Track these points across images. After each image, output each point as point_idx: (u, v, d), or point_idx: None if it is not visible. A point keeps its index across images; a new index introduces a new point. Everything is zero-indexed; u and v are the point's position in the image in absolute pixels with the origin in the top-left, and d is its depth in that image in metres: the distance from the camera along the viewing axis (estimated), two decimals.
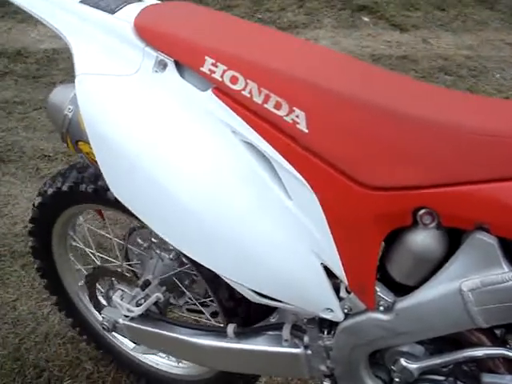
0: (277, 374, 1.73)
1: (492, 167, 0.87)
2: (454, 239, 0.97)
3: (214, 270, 1.12)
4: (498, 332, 1.04)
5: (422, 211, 0.93)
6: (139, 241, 1.53)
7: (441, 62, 4.08)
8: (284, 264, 1.06)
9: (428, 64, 4.04)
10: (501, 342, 1.03)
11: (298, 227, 1.03)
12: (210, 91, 1.04)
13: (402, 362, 1.07)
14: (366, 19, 4.71)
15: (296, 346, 1.23)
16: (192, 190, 1.05)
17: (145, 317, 1.43)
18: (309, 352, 1.20)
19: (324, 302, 1.08)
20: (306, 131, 0.96)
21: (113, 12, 1.14)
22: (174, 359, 1.74)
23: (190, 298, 1.56)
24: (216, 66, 1.02)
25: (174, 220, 1.10)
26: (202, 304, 1.56)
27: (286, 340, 1.23)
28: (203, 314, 1.58)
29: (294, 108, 0.97)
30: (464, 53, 4.27)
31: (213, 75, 1.02)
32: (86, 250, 1.74)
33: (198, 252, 1.12)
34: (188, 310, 1.62)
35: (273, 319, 1.32)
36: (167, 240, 1.15)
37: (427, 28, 4.67)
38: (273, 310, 1.33)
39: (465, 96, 1.05)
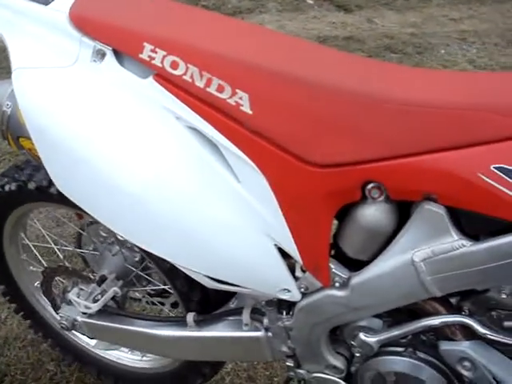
0: (240, 359, 1.73)
1: (434, 138, 0.88)
2: (403, 211, 0.98)
3: (165, 258, 1.11)
4: (452, 300, 1.06)
5: (370, 185, 0.93)
6: (91, 239, 1.50)
7: (386, 41, 4.12)
8: (237, 248, 1.05)
9: (374, 43, 4.08)
10: (456, 310, 1.04)
11: (249, 210, 1.02)
12: (150, 78, 1.02)
13: (361, 336, 1.08)
14: (310, 1, 4.72)
15: (257, 330, 1.22)
16: (137, 179, 1.03)
17: (103, 312, 1.41)
18: (269, 334, 1.21)
19: (280, 282, 1.08)
20: (251, 113, 0.96)
21: (47, 3, 1.11)
22: (137, 353, 1.72)
23: (149, 290, 1.55)
24: (155, 52, 1.00)
25: (120, 211, 1.09)
26: (162, 295, 1.54)
27: (247, 324, 1.23)
28: (164, 305, 1.56)
29: (237, 90, 0.96)
30: (408, 30, 4.32)
31: (152, 61, 1.01)
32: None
33: (148, 241, 1.11)
34: (148, 302, 1.60)
35: (232, 304, 1.32)
36: (116, 231, 1.14)
37: (371, 8, 4.71)
38: (231, 295, 1.33)
39: (406, 69, 1.05)
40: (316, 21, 4.44)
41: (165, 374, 1.63)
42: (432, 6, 4.83)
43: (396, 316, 1.08)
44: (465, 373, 1.02)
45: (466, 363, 1.02)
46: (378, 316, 1.09)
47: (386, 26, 4.39)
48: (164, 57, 1.00)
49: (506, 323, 1.00)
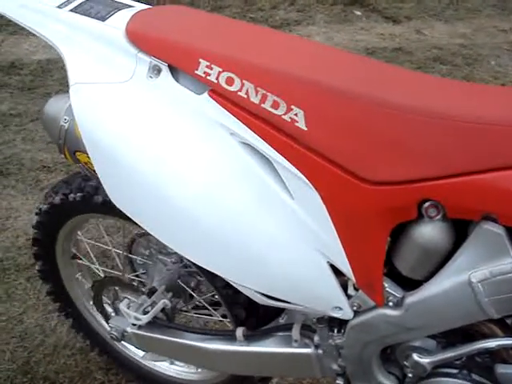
0: (288, 375, 1.72)
1: (494, 156, 0.86)
2: (461, 230, 0.96)
3: (218, 273, 1.11)
4: (510, 322, 1.03)
5: (427, 204, 0.92)
6: (141, 249, 1.52)
7: (435, 52, 4.07)
8: (289, 264, 1.05)
9: (423, 55, 4.03)
10: None
11: (302, 226, 1.02)
12: (206, 94, 1.03)
13: (415, 357, 1.06)
14: (358, 13, 4.70)
15: (306, 346, 1.21)
16: (192, 194, 1.04)
17: (152, 324, 1.41)
18: (320, 351, 1.19)
19: (332, 300, 1.07)
20: (306, 129, 0.95)
21: (103, 19, 1.13)
22: (191, 366, 1.72)
23: (198, 302, 1.55)
24: (211, 68, 1.01)
25: (175, 225, 1.09)
26: (211, 307, 1.54)
27: (296, 340, 1.22)
28: (212, 316, 1.57)
29: (292, 106, 0.96)
30: (458, 41, 4.26)
31: (208, 77, 1.01)
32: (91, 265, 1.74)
33: (201, 256, 1.11)
34: (197, 314, 1.60)
35: (282, 320, 1.31)
36: (171, 246, 1.15)
37: (420, 18, 4.66)
38: (281, 310, 1.32)
39: (461, 84, 1.04)
40: (364, 32, 4.42)
41: None
42: (482, 17, 4.76)
43: (450, 337, 1.06)
44: None
45: None
46: (431, 336, 1.07)
47: (435, 37, 4.33)
48: (219, 73, 1.00)
49: None
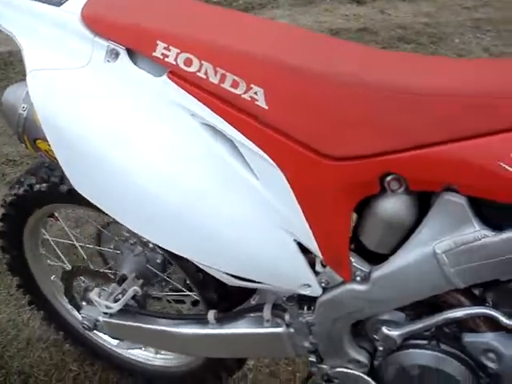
0: (262, 356, 1.72)
1: (453, 127, 0.87)
2: (424, 203, 0.96)
3: (185, 256, 1.11)
4: (476, 291, 1.05)
5: (389, 177, 0.92)
6: (109, 240, 1.51)
7: (400, 32, 4.08)
8: (256, 244, 1.05)
9: (387, 34, 4.04)
10: (480, 301, 1.03)
11: (268, 206, 1.02)
12: (165, 76, 1.02)
13: (384, 330, 1.07)
14: None
15: (278, 326, 1.22)
16: (154, 178, 1.03)
17: (124, 312, 1.41)
18: (291, 330, 1.20)
19: (300, 278, 1.07)
20: (266, 108, 0.95)
21: (59, 4, 1.11)
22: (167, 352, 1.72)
23: (170, 289, 1.55)
24: (169, 50, 1.00)
25: (139, 209, 1.08)
26: (183, 294, 1.54)
27: (268, 320, 1.22)
28: (184, 303, 1.56)
29: (252, 85, 0.95)
30: (422, 20, 4.28)
31: (166, 59, 1.00)
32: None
33: (167, 240, 1.11)
34: (169, 301, 1.60)
35: (253, 301, 1.31)
36: (136, 231, 1.14)
37: None
38: (252, 292, 1.33)
39: (422, 58, 1.04)
40: (328, 14, 4.41)
41: (188, 373, 1.63)
42: None
43: (419, 309, 1.07)
44: (489, 364, 1.01)
45: (491, 355, 1.00)
46: (400, 309, 1.08)
47: (400, 17, 4.34)
48: (178, 54, 0.99)
49: None
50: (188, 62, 0.99)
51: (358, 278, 1.04)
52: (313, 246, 1.03)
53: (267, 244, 1.05)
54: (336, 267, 1.05)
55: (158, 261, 1.48)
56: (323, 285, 1.08)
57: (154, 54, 1.01)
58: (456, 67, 0.97)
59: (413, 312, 1.08)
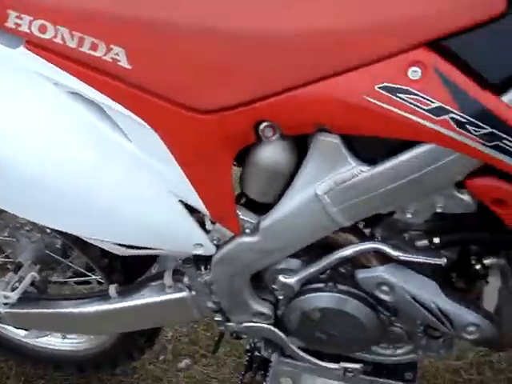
0: (171, 323, 1.71)
1: (315, 67, 0.86)
2: (302, 147, 0.96)
3: (74, 233, 1.08)
4: (366, 230, 1.06)
5: (262, 125, 0.91)
6: (2, 227, 1.45)
7: None
8: (140, 210, 1.03)
9: None
10: (369, 237, 1.05)
11: (146, 169, 1.00)
12: (22, 47, 0.96)
13: (281, 278, 1.07)
14: None
15: (180, 290, 1.21)
16: (25, 155, 0.99)
17: (24, 300, 1.36)
18: (193, 293, 1.19)
19: (192, 238, 1.06)
20: (129, 67, 0.92)
21: None
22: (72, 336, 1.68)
23: (73, 272, 1.51)
24: (21, 19, 0.94)
25: (20, 192, 1.04)
26: (86, 275, 1.50)
27: (170, 286, 1.21)
28: (90, 283, 1.52)
29: (112, 46, 0.92)
30: None
31: (20, 29, 0.95)
32: None
33: (53, 219, 1.08)
34: (76, 283, 1.56)
35: (154, 270, 1.29)
36: (23, 216, 1.10)
37: None
38: (153, 261, 1.31)
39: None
40: None
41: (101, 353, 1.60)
42: None
43: (313, 253, 1.08)
44: (384, 297, 1.03)
45: (384, 287, 1.02)
46: (295, 256, 1.08)
47: None
48: (31, 22, 0.94)
49: (418, 243, 1.01)
50: (43, 29, 0.94)
51: (248, 231, 1.03)
52: (198, 204, 1.01)
53: (152, 208, 1.03)
54: (224, 222, 1.04)
55: (58, 246, 1.43)
56: (215, 242, 1.07)
57: (6, 24, 0.95)
58: (315, 4, 0.96)
59: (307, 257, 1.08)
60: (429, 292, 1.01)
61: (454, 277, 1.07)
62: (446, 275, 1.07)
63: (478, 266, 1.02)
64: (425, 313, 1.01)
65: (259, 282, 1.15)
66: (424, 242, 1.00)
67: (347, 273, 1.08)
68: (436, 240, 0.99)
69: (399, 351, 1.22)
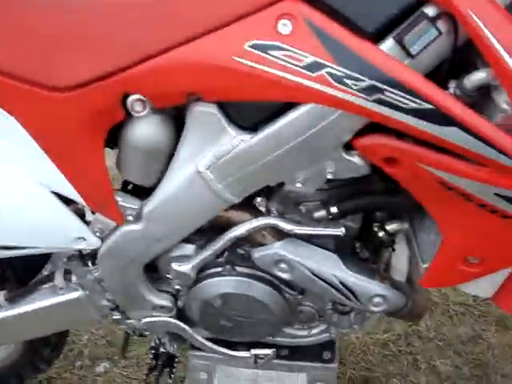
0: (70, 326, 1.58)
1: (175, 29, 0.78)
2: (179, 122, 0.87)
3: None
4: (259, 204, 0.98)
5: (130, 99, 0.82)
6: None
7: None
8: (11, 205, 0.93)
9: None
10: (266, 213, 0.97)
11: (12, 159, 0.90)
12: None
13: (174, 266, 0.99)
14: None
15: (73, 291, 1.10)
16: None
17: None
18: (86, 292, 1.09)
19: (71, 232, 0.97)
20: None
21: None
22: None
23: None
24: None
25: None
26: None
27: (62, 288, 1.11)
28: None
29: None
30: None
31: None
32: None
33: None
34: None
35: (45, 272, 1.18)
36: None
37: None
38: (45, 262, 1.20)
39: None
40: None
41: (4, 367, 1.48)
42: None
43: (207, 236, 1.00)
44: (283, 275, 0.96)
45: (282, 265, 0.95)
46: (188, 241, 1.00)
47: None
48: None
49: (316, 214, 0.94)
50: None
51: (131, 218, 0.94)
52: (72, 193, 0.92)
53: (23, 202, 0.93)
54: (104, 211, 0.94)
55: None
56: (98, 234, 0.97)
57: None
58: None
59: (202, 241, 1.00)
60: (329, 265, 0.94)
61: (358, 247, 1.00)
62: (350, 246, 1.00)
63: (381, 234, 0.97)
64: (328, 288, 0.95)
65: (155, 272, 1.06)
66: (321, 213, 0.93)
67: (245, 254, 1.00)
68: (333, 209, 0.92)
69: (314, 331, 1.16)
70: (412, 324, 1.70)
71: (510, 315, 1.71)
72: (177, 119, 0.88)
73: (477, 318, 1.72)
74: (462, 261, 0.85)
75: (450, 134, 0.72)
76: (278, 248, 0.94)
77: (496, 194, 0.76)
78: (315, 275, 0.93)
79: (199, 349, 1.17)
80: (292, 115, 0.79)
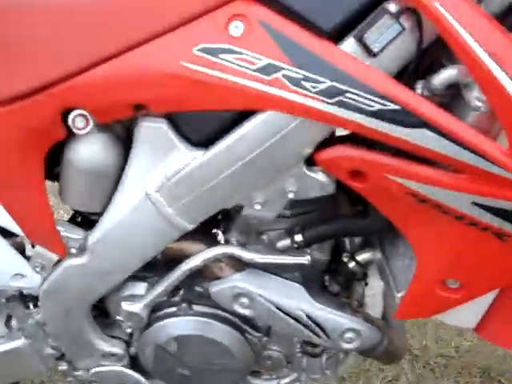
0: (15, 378, 1.44)
1: (116, 36, 0.72)
2: (127, 141, 0.80)
3: None
4: (217, 233, 0.90)
5: (72, 115, 0.75)
6: None
7: None
8: None
9: None
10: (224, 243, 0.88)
11: None
12: None
13: (124, 306, 0.89)
14: None
15: (16, 338, 0.99)
16: None
17: None
18: (29, 340, 0.98)
19: (9, 267, 0.88)
20: None
21: None
22: None
23: None
24: None
25: None
26: None
27: (2, 336, 0.99)
28: None
29: None
30: None
31: None
32: None
33: None
34: None
35: None
36: None
37: None
38: None
39: None
40: None
41: None
42: None
43: (160, 272, 0.90)
44: (244, 311, 0.86)
45: (242, 299, 0.85)
46: (139, 279, 0.91)
47: None
48: None
49: (280, 244, 0.86)
50: None
51: (74, 251, 0.85)
52: (9, 223, 0.82)
53: None
54: (45, 243, 0.85)
55: None
56: (38, 269, 0.88)
57: None
58: None
59: (155, 278, 0.91)
60: (294, 298, 0.84)
61: (327, 280, 0.91)
62: (318, 280, 0.91)
63: (351, 265, 0.88)
64: (294, 324, 0.85)
65: (104, 317, 0.96)
66: (285, 242, 0.85)
67: (203, 291, 0.91)
68: (298, 238, 0.84)
69: (283, 381, 1.05)
70: (392, 379, 1.58)
71: (495, 366, 1.61)
72: (125, 139, 0.81)
73: (460, 369, 1.61)
74: (441, 285, 0.77)
75: (419, 137, 0.66)
76: (237, 280, 0.85)
77: (474, 204, 0.68)
78: (279, 309, 0.84)
79: None
80: (247, 126, 0.72)
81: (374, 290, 0.94)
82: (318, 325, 0.84)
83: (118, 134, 0.81)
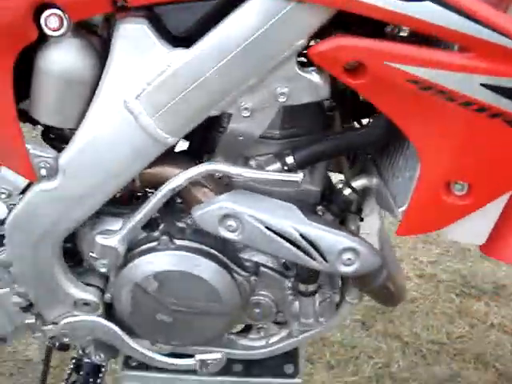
0: None
1: None
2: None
3: None
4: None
5: (45, 14, 0.68)
6: None
7: None
8: None
9: None
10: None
11: None
12: None
13: (99, 240, 0.81)
14: None
15: None
16: None
17: None
18: None
19: None
20: None
21: None
22: None
23: None
24: None
25: None
26: None
27: None
28: None
29: None
30: None
31: None
32: None
33: None
34: None
35: None
36: None
37: None
38: None
39: None
40: None
41: None
42: None
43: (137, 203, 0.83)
44: (232, 236, 0.78)
45: (229, 222, 0.77)
46: (115, 215, 0.83)
47: None
48: None
49: (269, 168, 0.79)
50: None
51: (44, 173, 0.76)
52: None
53: None
54: (11, 163, 0.77)
55: None
56: (4, 197, 0.80)
57: None
58: None
59: (133, 209, 0.83)
60: (286, 217, 0.77)
61: (320, 209, 0.83)
62: (311, 210, 0.84)
63: (347, 191, 0.82)
64: (286, 246, 0.77)
65: (78, 262, 0.88)
66: (276, 166, 0.78)
67: (186, 226, 0.84)
68: (289, 159, 0.77)
69: (273, 339, 0.97)
70: (382, 366, 1.50)
71: (489, 351, 1.54)
72: (102, 53, 0.74)
73: (453, 356, 1.54)
74: (446, 191, 0.70)
75: (422, 12, 0.61)
76: (223, 200, 0.77)
77: (483, 85, 0.63)
78: (270, 230, 0.76)
79: (132, 367, 0.97)
80: (234, 15, 0.67)
81: (369, 229, 0.87)
82: (313, 245, 0.76)
83: (95, 44, 0.74)
